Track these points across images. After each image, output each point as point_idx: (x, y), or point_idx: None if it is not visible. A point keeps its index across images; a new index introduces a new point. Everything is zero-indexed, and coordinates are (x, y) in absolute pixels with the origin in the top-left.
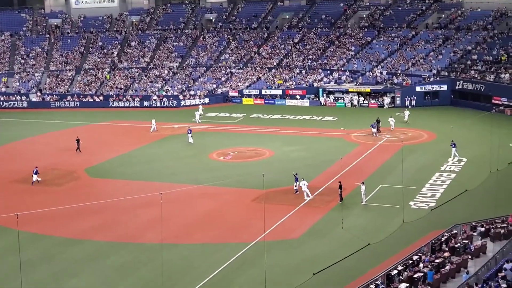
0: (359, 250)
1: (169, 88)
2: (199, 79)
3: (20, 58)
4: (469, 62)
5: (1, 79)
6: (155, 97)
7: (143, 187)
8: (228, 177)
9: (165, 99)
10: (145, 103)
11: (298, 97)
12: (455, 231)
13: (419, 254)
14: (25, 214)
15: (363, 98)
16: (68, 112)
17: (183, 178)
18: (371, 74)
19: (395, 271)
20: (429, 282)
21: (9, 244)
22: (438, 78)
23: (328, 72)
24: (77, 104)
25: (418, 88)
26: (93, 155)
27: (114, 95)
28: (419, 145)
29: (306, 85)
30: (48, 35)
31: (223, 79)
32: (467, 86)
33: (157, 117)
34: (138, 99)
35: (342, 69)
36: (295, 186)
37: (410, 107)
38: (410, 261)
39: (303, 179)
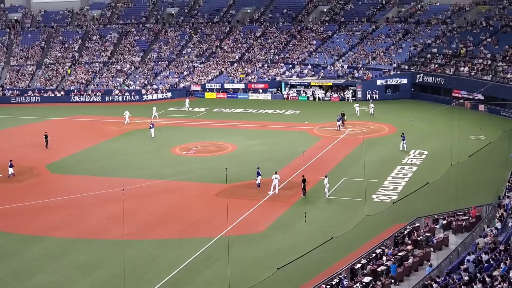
0: (323, 244)
1: (131, 83)
2: (161, 74)
3: None
4: (429, 56)
5: None
6: (116, 92)
7: (106, 182)
8: (191, 172)
9: (127, 93)
10: (107, 98)
11: (260, 91)
12: (417, 224)
13: (382, 248)
14: None
15: (325, 92)
16: (29, 108)
17: (146, 173)
18: (332, 68)
19: (359, 265)
20: (393, 276)
21: None
22: (398, 72)
23: (290, 66)
24: (38, 99)
25: (379, 82)
26: (55, 151)
27: (76, 90)
28: (381, 138)
29: (268, 79)
30: (8, 30)
31: (185, 73)
32: (427, 80)
33: (119, 112)
34: (100, 94)
35: (304, 63)
36: (257, 180)
37: (372, 100)
38: (373, 255)
39: (276, 172)
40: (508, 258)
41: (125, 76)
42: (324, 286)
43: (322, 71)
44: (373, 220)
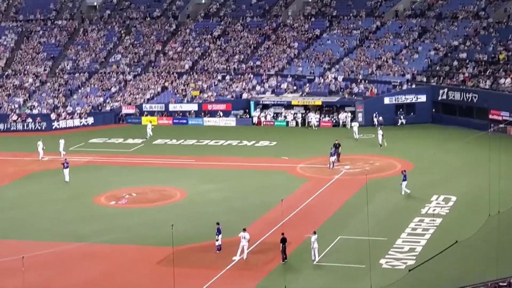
0: None
1: (36, 104)
2: (79, 91)
3: None
4: (455, 63)
5: None
6: (15, 117)
7: None
8: (123, 230)
9: (29, 119)
10: (1, 126)
11: (220, 114)
12: None
13: None
14: None
15: (313, 114)
16: None
17: (57, 232)
18: (322, 80)
19: None
20: None
21: None
22: (413, 86)
23: (262, 78)
24: None
25: (387, 100)
26: None
27: None
28: (390, 179)
29: (232, 97)
30: None
31: (113, 90)
32: (453, 96)
33: (18, 146)
34: None
35: (282, 74)
36: (217, 241)
37: (381, 126)
38: None
39: (244, 230)
40: None
41: (27, 95)
42: None
43: (307, 85)
44: None
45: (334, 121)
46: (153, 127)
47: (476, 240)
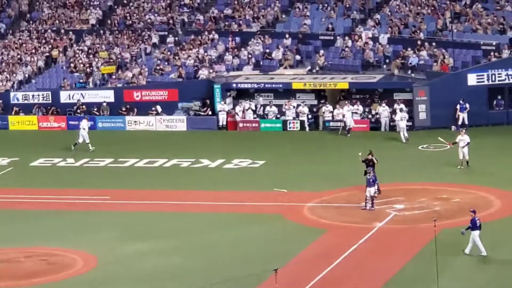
0: None
1: None
2: None
3: None
4: None
5: None
6: None
7: None
8: None
9: None
10: None
11: (157, 108)
12: None
13: None
14: None
15: (331, 107)
16: None
17: None
18: (349, 42)
19: None
20: None
21: None
22: None
23: (236, 40)
24: None
25: (471, 79)
26: None
27: None
28: (483, 226)
29: (178, 77)
30: None
31: None
32: None
33: None
34: None
35: (273, 31)
36: None
37: (464, 129)
38: None
39: None
40: None
41: None
42: None
43: (321, 52)
44: None
45: (373, 119)
46: (89, 125)
47: None
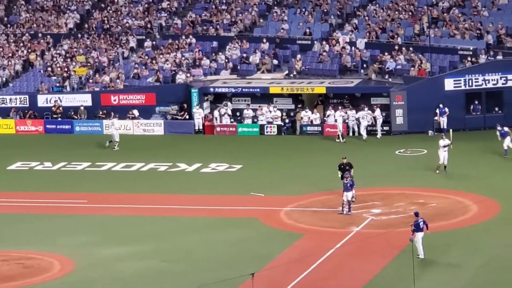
0: None
1: None
2: None
3: None
4: None
5: None
6: None
7: None
8: None
9: None
10: None
11: (134, 112)
12: None
13: None
14: None
15: (309, 111)
16: None
17: None
18: (327, 47)
19: None
20: None
21: None
22: (500, 57)
23: (213, 44)
24: None
25: (448, 84)
26: None
27: None
28: (457, 232)
29: (156, 80)
30: None
31: None
32: None
33: None
34: None
35: (249, 35)
36: None
37: (445, 131)
38: None
39: None
40: None
41: None
42: None
43: (299, 56)
44: None
45: (349, 127)
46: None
47: None
